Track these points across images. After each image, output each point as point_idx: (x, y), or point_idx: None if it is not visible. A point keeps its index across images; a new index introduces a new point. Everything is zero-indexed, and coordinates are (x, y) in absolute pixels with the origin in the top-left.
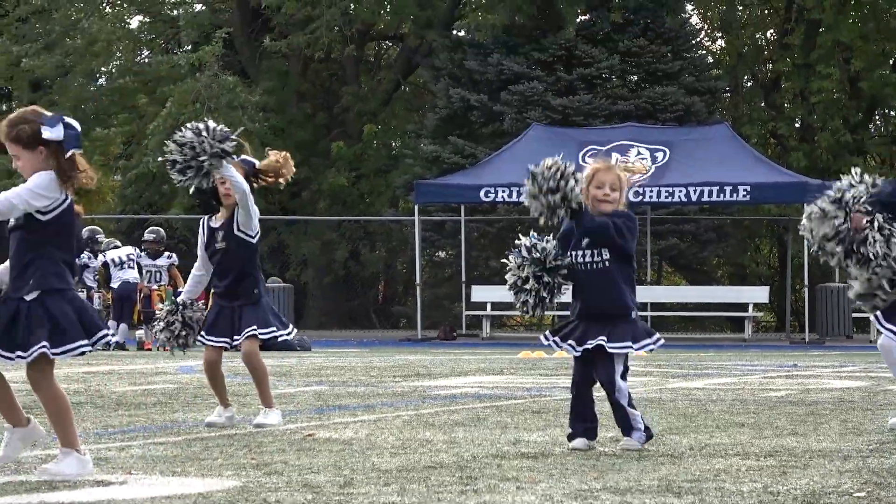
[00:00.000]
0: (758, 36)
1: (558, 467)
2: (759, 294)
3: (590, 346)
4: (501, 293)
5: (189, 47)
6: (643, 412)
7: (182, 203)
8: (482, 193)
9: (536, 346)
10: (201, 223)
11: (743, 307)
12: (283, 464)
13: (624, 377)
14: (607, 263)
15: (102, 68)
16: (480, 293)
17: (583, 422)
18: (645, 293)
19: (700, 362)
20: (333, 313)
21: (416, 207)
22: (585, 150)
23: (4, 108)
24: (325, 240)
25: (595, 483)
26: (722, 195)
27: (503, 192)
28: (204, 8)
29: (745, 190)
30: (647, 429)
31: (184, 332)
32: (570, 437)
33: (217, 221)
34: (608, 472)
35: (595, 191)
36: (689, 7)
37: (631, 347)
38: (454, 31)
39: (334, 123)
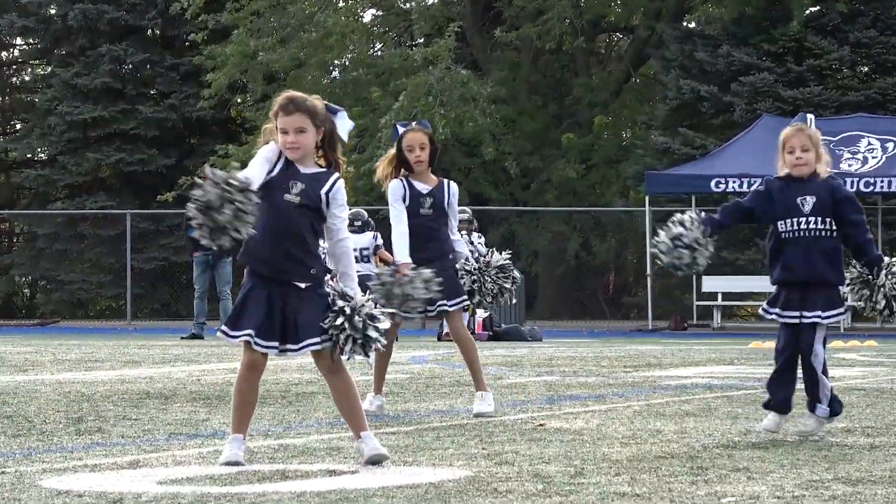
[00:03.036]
0: None
1: (789, 457)
2: None
3: (813, 318)
4: (733, 283)
5: (421, 40)
6: (874, 402)
7: None
8: (713, 184)
9: (768, 336)
10: (402, 182)
11: None
12: (514, 454)
13: (823, 344)
14: (833, 233)
15: (336, 61)
16: (711, 283)
17: (785, 387)
18: None
19: None
20: (564, 304)
21: (647, 198)
22: None
23: (239, 100)
24: (556, 231)
25: (826, 474)
26: None
27: (734, 182)
28: (436, 1)
29: None
30: (833, 403)
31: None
32: (767, 406)
33: (423, 185)
34: (839, 463)
35: (788, 156)
36: None
37: (841, 315)
38: (684, 23)
39: (565, 114)
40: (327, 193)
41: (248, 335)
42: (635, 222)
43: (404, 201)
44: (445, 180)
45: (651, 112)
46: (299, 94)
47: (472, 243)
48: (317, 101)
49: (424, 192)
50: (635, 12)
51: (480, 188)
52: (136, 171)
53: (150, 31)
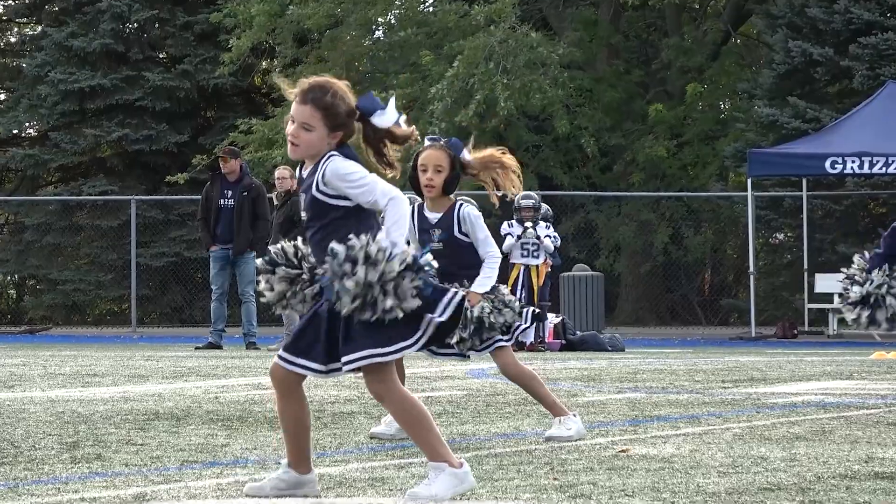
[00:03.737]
0: None
1: None
2: None
3: None
4: None
5: None
6: None
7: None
8: (828, 164)
9: (893, 345)
10: (414, 208)
11: None
12: (591, 485)
13: None
14: None
15: (380, 19)
16: (826, 283)
17: None
18: None
19: None
20: (651, 307)
21: (749, 181)
22: None
23: (264, 65)
24: (641, 220)
25: None
26: None
27: (852, 162)
28: None
29: None
30: None
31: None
32: None
33: (433, 214)
34: None
35: None
36: None
37: None
38: None
39: (652, 82)
40: (319, 186)
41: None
42: (735, 210)
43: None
44: (458, 203)
45: (754, 79)
46: (332, 83)
47: (538, 238)
48: (348, 100)
49: (434, 220)
50: None
51: (551, 170)
52: (143, 149)
53: None
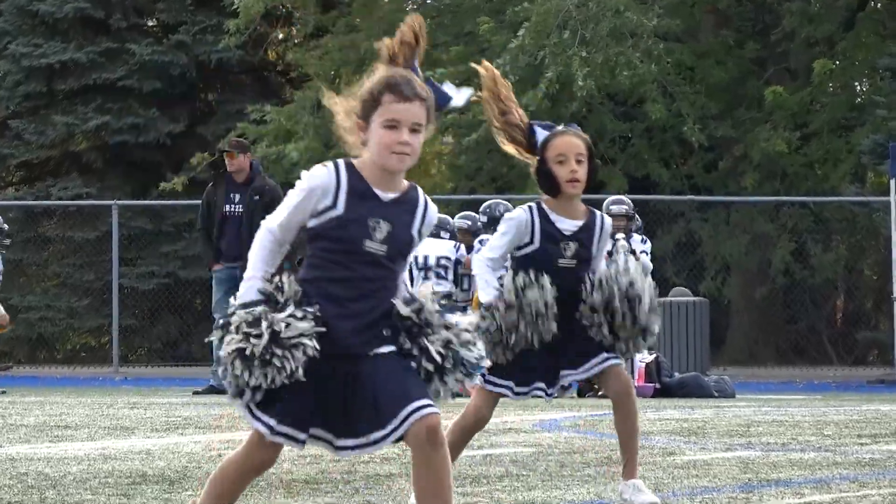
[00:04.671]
0: None
1: None
2: None
3: None
4: None
5: None
6: None
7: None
8: None
9: None
10: (529, 215)
11: None
12: None
13: None
14: None
15: None
16: None
17: None
18: None
19: None
20: (768, 341)
21: (893, 182)
22: None
23: (280, 36)
24: (757, 232)
25: None
26: None
27: None
28: None
29: None
30: None
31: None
32: None
33: (567, 221)
34: None
35: None
36: None
37: None
38: None
39: (770, 58)
40: (420, 231)
41: None
42: (875, 219)
43: (531, 242)
44: (598, 212)
45: None
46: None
47: (633, 251)
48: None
49: (568, 232)
50: None
51: (644, 167)
52: (127, 142)
53: None
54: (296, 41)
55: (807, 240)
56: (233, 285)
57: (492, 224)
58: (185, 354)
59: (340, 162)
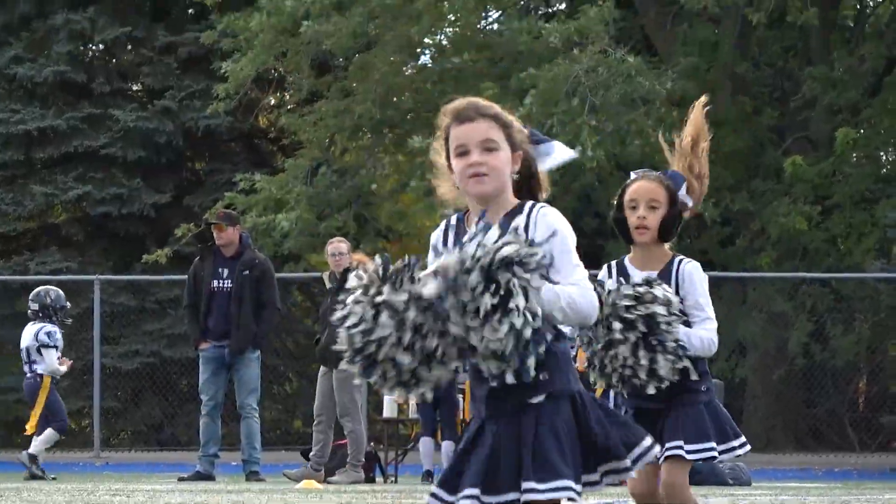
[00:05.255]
0: None
1: None
2: None
3: None
4: None
5: (562, 6)
6: None
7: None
8: None
9: None
10: (610, 268)
11: None
12: None
13: None
14: None
15: (427, 39)
16: None
17: None
18: None
19: None
20: (786, 425)
21: None
22: None
23: (272, 100)
24: (774, 311)
25: None
26: None
27: None
28: None
29: None
30: None
31: None
32: None
33: (640, 271)
34: None
35: None
36: None
37: None
38: None
39: (790, 125)
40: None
41: None
42: None
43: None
44: (678, 258)
45: None
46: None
47: None
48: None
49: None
50: None
51: None
52: (110, 213)
53: None
54: (288, 107)
55: (827, 319)
56: (220, 365)
57: None
58: (169, 438)
59: (453, 215)
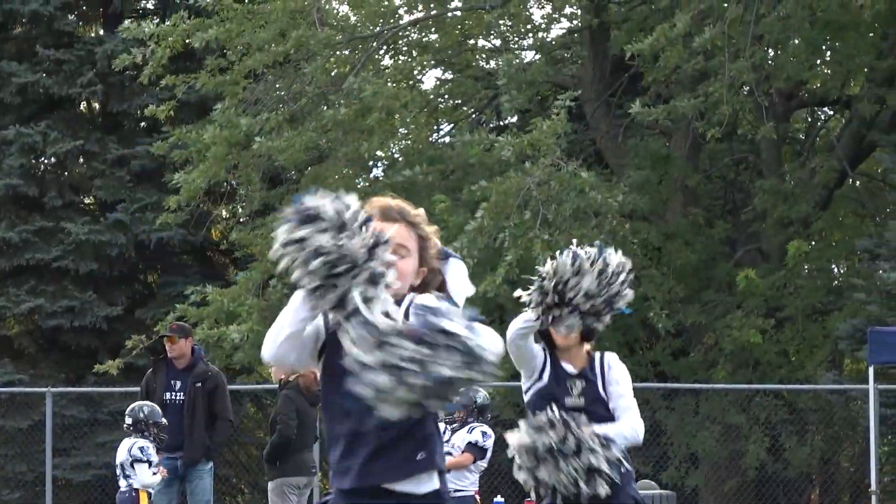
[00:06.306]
0: None
1: None
2: None
3: None
4: None
5: (513, 119)
6: None
7: (504, 368)
8: None
9: None
10: (543, 351)
11: None
12: None
13: None
14: None
15: (378, 152)
16: None
17: None
18: None
19: None
20: None
21: (871, 370)
22: None
23: (224, 213)
24: (728, 423)
25: None
26: None
27: None
28: (538, 58)
29: None
30: None
31: None
32: None
33: (570, 365)
34: None
35: None
36: None
37: None
38: None
39: (742, 239)
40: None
41: None
42: (852, 409)
43: (539, 379)
44: (598, 354)
45: (879, 234)
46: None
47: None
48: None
49: (573, 372)
50: (853, 75)
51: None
52: (62, 326)
53: (84, 104)
54: (240, 219)
55: (781, 432)
56: (173, 476)
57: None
58: None
59: None
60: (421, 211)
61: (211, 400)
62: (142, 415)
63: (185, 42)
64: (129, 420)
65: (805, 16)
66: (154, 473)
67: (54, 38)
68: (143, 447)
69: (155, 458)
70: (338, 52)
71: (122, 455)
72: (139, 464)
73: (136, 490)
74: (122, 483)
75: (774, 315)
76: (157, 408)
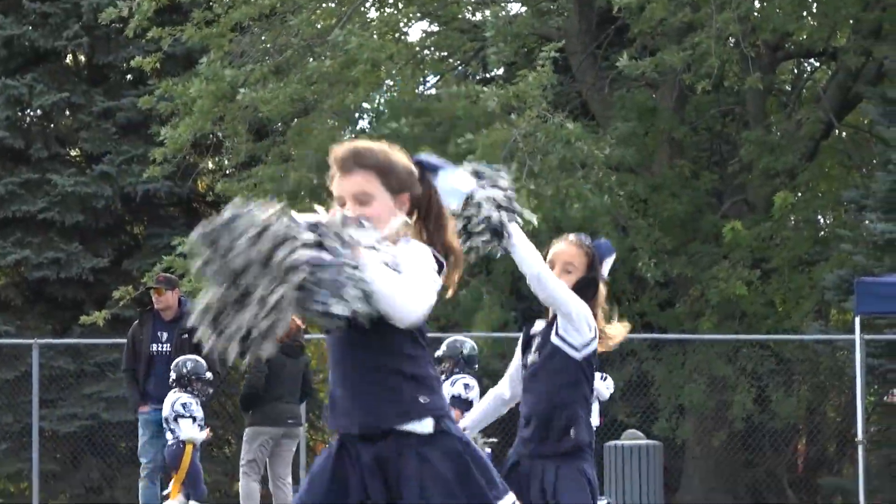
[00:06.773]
0: None
1: None
2: None
3: None
4: None
5: (500, 71)
6: None
7: (489, 320)
8: None
9: None
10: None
11: None
12: None
13: None
14: None
15: (365, 104)
16: None
17: None
18: None
19: None
20: (726, 486)
21: (858, 320)
22: None
23: (210, 165)
24: (714, 374)
25: None
26: None
27: None
28: (524, 10)
29: None
30: None
31: None
32: None
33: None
34: None
35: None
36: None
37: None
38: None
39: (728, 191)
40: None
41: None
42: (839, 359)
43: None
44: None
45: (865, 184)
46: (368, 144)
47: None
48: (399, 155)
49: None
50: (839, 27)
51: None
52: (48, 277)
53: (70, 57)
54: (226, 171)
55: (767, 382)
56: (160, 428)
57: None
58: (109, 500)
59: None
60: (376, 145)
61: (198, 351)
62: (185, 370)
63: None
64: (173, 375)
65: None
66: (201, 429)
67: None
68: (185, 403)
69: (199, 414)
70: (324, 5)
71: (166, 410)
72: (182, 419)
73: (183, 442)
74: (169, 436)
75: (761, 266)
76: (202, 362)
